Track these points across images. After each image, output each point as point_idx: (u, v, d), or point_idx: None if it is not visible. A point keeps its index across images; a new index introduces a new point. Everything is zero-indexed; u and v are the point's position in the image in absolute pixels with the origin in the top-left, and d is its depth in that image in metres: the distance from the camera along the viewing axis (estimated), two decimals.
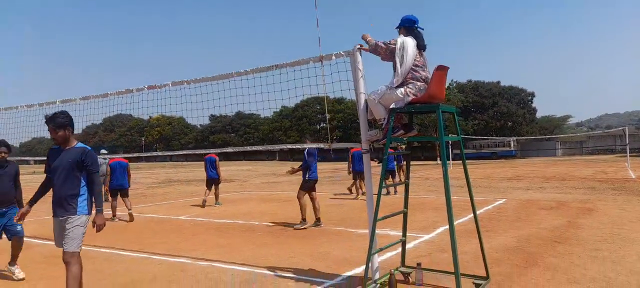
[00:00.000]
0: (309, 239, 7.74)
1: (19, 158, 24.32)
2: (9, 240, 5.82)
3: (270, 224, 9.44)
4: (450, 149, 35.05)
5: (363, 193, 14.46)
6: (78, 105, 8.08)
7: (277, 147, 6.94)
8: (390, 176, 14.53)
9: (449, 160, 33.91)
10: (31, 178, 36.09)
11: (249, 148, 8.18)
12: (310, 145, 8.33)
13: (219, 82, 6.36)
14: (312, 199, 9.22)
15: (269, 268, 5.83)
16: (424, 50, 4.69)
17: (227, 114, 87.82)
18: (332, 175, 28.10)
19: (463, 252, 6.29)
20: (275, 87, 5.93)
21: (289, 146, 7.97)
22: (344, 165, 47.99)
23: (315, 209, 9.16)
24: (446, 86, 5.20)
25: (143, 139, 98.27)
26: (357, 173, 14.00)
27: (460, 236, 7.38)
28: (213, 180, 13.11)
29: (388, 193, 14.19)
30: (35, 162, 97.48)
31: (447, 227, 8.36)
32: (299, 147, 8.36)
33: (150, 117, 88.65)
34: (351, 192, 15.04)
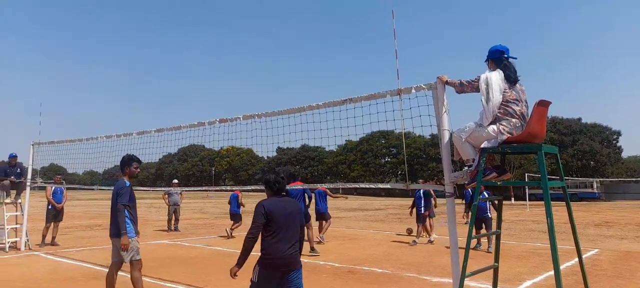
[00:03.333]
0: (378, 285, 7.18)
1: (100, 187, 25.61)
2: None
3: (336, 265, 8.97)
4: (526, 189, 32.73)
5: (426, 236, 13.38)
6: (152, 136, 8.26)
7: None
8: (483, 225, 11.13)
9: (526, 200, 31.72)
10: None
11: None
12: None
13: (288, 116, 6.18)
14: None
15: None
16: (515, 83, 4.15)
17: (293, 146, 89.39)
18: (399, 212, 27.12)
19: None
20: (346, 122, 5.64)
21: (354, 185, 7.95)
22: (410, 201, 46.33)
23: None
24: None
25: (213, 168, 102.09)
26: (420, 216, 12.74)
27: None
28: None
29: (477, 246, 11.03)
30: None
31: (534, 280, 7.52)
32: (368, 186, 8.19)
33: (221, 148, 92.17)
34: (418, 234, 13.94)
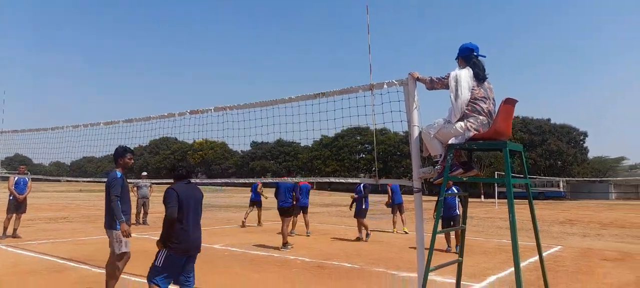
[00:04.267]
0: (347, 280, 7.21)
1: (68, 178, 24.98)
2: None
3: (307, 260, 8.97)
4: (496, 187, 33.44)
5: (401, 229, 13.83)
6: (121, 127, 8.06)
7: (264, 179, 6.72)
8: (452, 223, 10.04)
9: (495, 198, 32.39)
10: (77, 196, 37.32)
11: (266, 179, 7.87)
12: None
13: (261, 108, 6.12)
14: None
15: None
16: (484, 81, 4.22)
17: (268, 141, 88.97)
18: (372, 209, 27.32)
19: None
20: (320, 116, 5.61)
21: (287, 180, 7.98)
22: (383, 197, 46.87)
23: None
24: None
25: None
26: (396, 205, 13.98)
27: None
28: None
29: (448, 249, 10.19)
30: (85, 181, 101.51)
31: (499, 275, 7.70)
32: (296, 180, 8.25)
33: (194, 141, 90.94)
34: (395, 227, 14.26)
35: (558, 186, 52.85)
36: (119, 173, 5.50)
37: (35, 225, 14.28)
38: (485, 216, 22.22)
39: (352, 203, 12.62)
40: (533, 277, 7.37)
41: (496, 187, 33.82)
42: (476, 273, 7.79)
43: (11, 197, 11.24)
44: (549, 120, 63.16)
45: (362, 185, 11.91)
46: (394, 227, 14.02)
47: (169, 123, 7.45)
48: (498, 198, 32.47)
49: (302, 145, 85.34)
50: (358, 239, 11.94)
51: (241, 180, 8.13)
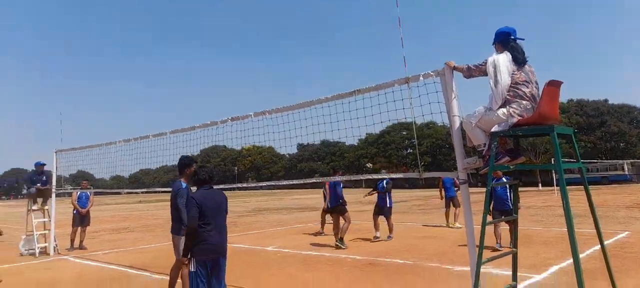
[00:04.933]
0: (399, 276, 7.13)
1: (128, 190, 26.23)
2: None
3: (358, 258, 8.95)
4: (554, 175, 31.95)
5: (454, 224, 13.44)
6: (169, 138, 8.37)
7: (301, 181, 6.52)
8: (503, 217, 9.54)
9: (554, 186, 30.95)
10: (136, 207, 39.15)
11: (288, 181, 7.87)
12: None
13: (299, 110, 6.16)
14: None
15: None
16: (523, 64, 4.04)
17: (314, 142, 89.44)
18: (422, 203, 26.88)
19: None
20: (358, 113, 5.57)
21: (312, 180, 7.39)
22: (434, 192, 46.05)
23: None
24: None
25: (236, 168, 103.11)
26: (449, 199, 13.65)
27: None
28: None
29: (498, 245, 9.18)
30: (143, 192, 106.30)
31: (561, 265, 7.34)
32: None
33: (242, 147, 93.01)
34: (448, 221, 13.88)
35: (622, 169, 49.64)
36: (184, 183, 5.68)
37: (100, 236, 15.10)
38: (543, 205, 21.28)
39: (371, 192, 12.16)
40: (598, 265, 6.98)
41: (554, 175, 32.27)
42: (536, 264, 7.48)
43: (75, 211, 11.96)
44: (606, 101, 59.65)
45: (384, 180, 11.31)
46: (447, 222, 13.71)
47: (216, 132, 7.65)
48: (557, 185, 31.01)
49: (347, 144, 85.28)
50: (375, 238, 11.21)
51: (283, 182, 8.15)
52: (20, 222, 16.48)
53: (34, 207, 11.60)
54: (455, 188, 13.44)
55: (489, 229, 8.81)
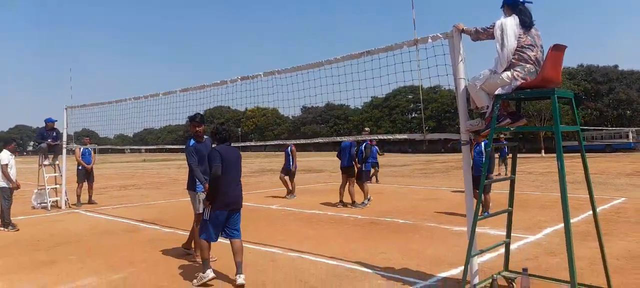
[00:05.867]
0: (399, 234, 7.40)
1: (132, 146, 26.51)
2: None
3: (359, 217, 9.22)
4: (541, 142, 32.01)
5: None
6: (178, 96, 8.50)
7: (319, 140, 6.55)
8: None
9: (548, 152, 31.03)
10: (141, 165, 39.66)
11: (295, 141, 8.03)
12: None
13: (309, 71, 6.23)
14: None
15: (358, 263, 5.62)
16: (530, 28, 4.11)
17: (317, 105, 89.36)
18: (424, 167, 27.16)
19: (577, 258, 5.55)
20: (366, 74, 5.64)
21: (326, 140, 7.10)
22: (436, 156, 46.44)
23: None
24: None
25: (239, 129, 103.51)
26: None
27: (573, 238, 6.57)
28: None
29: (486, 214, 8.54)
30: (146, 150, 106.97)
31: (555, 227, 7.58)
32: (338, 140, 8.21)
33: (246, 108, 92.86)
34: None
35: (627, 137, 49.57)
36: (191, 141, 5.82)
37: (107, 192, 15.47)
38: (544, 171, 21.50)
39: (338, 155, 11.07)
40: (590, 229, 7.20)
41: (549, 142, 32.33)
42: (531, 227, 7.72)
43: (80, 167, 12.22)
44: (616, 66, 58.73)
45: (363, 144, 10.60)
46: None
47: (223, 91, 7.76)
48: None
49: (352, 107, 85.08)
50: (353, 204, 10.54)
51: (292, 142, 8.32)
52: (29, 177, 16.85)
53: (46, 162, 11.87)
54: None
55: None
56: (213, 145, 5.22)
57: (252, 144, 12.53)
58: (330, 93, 6.39)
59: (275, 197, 13.21)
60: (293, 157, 12.94)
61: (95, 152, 12.77)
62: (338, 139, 8.29)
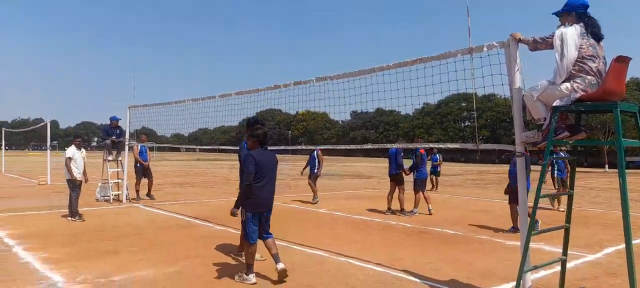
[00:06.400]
0: (449, 245, 7.27)
1: (187, 146, 27.65)
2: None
3: (408, 225, 9.14)
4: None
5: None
6: (233, 99, 8.81)
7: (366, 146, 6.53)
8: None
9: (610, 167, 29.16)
10: (196, 164, 41.15)
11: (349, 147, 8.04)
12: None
13: (360, 77, 6.30)
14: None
15: (405, 271, 5.59)
16: (600, 40, 3.95)
17: (367, 110, 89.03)
18: (476, 178, 26.39)
19: None
20: (418, 82, 5.63)
21: (374, 146, 7.14)
22: (490, 167, 44.87)
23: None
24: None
25: (289, 132, 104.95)
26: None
27: (636, 260, 6.20)
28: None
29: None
30: (200, 150, 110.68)
31: (617, 247, 7.18)
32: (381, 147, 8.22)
33: (297, 112, 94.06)
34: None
35: None
36: (245, 143, 6.00)
37: (163, 189, 16.22)
38: (607, 187, 20.30)
39: (305, 167, 13.20)
40: None
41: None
42: (591, 245, 7.36)
43: (138, 165, 12.89)
44: None
45: (315, 152, 12.75)
46: (556, 205, 11.84)
47: (275, 94, 7.98)
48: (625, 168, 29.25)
49: (402, 114, 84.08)
50: (402, 211, 10.43)
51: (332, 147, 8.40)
52: (93, 171, 17.96)
53: (109, 158, 12.63)
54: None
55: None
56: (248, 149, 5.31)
57: (301, 147, 12.72)
58: (380, 99, 6.42)
59: (303, 202, 13.32)
60: (319, 161, 12.89)
61: (152, 150, 13.39)
62: (387, 146, 8.28)
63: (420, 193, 10.60)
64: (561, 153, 8.83)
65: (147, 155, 13.11)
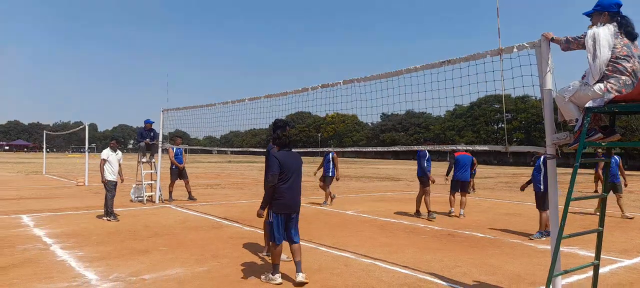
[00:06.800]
0: (477, 249, 7.14)
1: (219, 148, 28.23)
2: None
3: (436, 228, 9.03)
4: None
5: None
6: (262, 102, 8.93)
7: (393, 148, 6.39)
8: (611, 191, 10.15)
9: None
10: (226, 166, 41.78)
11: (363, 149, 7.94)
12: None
13: (387, 79, 6.28)
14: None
15: (432, 274, 5.54)
16: (634, 39, 3.82)
17: (397, 112, 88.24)
18: (509, 181, 25.77)
19: None
20: (447, 83, 5.57)
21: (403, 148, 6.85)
22: (523, 169, 43.70)
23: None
24: None
25: (319, 135, 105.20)
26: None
27: None
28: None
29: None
30: (232, 152, 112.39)
31: None
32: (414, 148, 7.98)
33: (326, 114, 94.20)
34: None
35: None
36: (271, 145, 6.09)
37: (195, 190, 16.52)
38: None
39: (319, 167, 12.95)
40: None
41: None
42: (628, 250, 7.09)
43: (173, 167, 13.20)
44: None
45: (330, 154, 12.35)
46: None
47: (304, 97, 8.04)
48: None
49: (434, 116, 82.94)
50: (429, 214, 10.13)
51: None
52: (128, 172, 18.49)
53: (143, 160, 13.00)
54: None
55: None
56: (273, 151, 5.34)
57: (330, 149, 12.48)
58: (409, 101, 6.37)
59: (313, 203, 13.29)
60: (335, 164, 12.45)
61: (186, 152, 13.74)
62: (415, 147, 8.13)
63: (452, 195, 10.81)
64: (616, 158, 8.49)
65: (182, 158, 13.42)
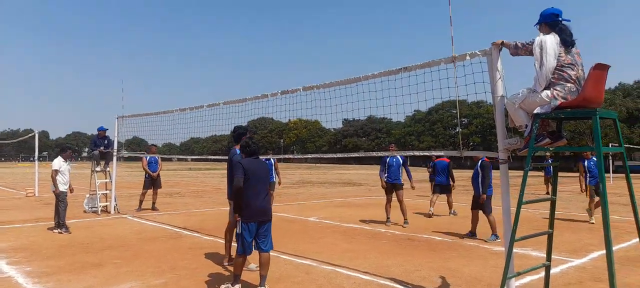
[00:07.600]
0: (437, 252, 7.28)
1: (179, 155, 27.49)
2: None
3: (397, 233, 9.15)
4: (610, 161, 30.51)
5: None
6: (221, 108, 8.78)
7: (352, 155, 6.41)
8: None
9: (608, 173, 29.54)
10: (186, 173, 40.89)
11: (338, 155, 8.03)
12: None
13: (350, 85, 6.31)
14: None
15: (393, 279, 5.59)
16: (572, 47, 4.01)
17: (359, 118, 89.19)
18: (466, 184, 26.49)
19: (624, 285, 5.30)
20: (405, 90, 5.66)
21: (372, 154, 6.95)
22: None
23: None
24: (608, 88, 4.29)
25: (281, 140, 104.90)
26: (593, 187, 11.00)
27: (621, 264, 6.27)
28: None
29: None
30: (193, 159, 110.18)
31: (603, 252, 7.21)
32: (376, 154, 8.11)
33: (289, 120, 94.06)
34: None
35: None
36: (238, 150, 5.98)
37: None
38: None
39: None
40: (638, 254, 6.87)
41: (611, 162, 30.79)
42: (577, 249, 7.41)
43: (147, 175, 12.80)
44: None
45: (271, 160, 10.98)
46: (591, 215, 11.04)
47: (265, 103, 7.96)
48: (614, 172, 29.61)
49: (394, 121, 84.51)
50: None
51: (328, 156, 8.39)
52: (82, 182, 17.76)
53: (97, 169, 12.52)
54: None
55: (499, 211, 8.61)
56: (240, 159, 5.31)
57: (271, 156, 12.16)
58: (370, 108, 6.43)
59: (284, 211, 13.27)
60: (276, 170, 11.75)
61: (160, 160, 13.40)
62: (373, 154, 8.19)
63: (433, 196, 11.89)
64: (593, 158, 8.93)
65: (156, 166, 13.07)
